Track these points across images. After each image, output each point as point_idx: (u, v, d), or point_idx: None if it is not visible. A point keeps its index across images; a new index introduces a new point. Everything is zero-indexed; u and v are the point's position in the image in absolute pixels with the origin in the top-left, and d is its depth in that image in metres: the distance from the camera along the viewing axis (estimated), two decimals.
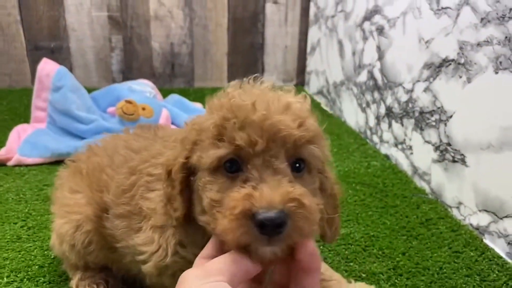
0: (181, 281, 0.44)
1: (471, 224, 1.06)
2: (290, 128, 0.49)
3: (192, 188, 0.55)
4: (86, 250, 0.74)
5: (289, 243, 0.46)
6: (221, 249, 0.48)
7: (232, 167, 0.50)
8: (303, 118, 0.51)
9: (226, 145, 0.49)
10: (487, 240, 1.01)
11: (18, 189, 1.18)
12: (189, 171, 0.55)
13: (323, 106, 2.02)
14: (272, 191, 0.45)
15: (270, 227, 0.44)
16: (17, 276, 0.85)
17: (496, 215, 0.99)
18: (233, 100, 0.51)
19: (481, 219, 1.03)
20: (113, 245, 0.71)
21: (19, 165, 1.33)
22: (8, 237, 0.97)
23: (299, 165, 0.51)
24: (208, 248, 0.49)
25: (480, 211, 1.04)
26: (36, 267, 0.88)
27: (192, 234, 0.58)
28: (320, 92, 2.09)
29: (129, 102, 1.51)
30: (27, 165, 1.33)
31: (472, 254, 0.96)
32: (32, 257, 0.91)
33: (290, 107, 0.51)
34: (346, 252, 0.95)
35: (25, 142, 1.38)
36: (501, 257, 0.95)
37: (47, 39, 2.05)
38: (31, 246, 0.94)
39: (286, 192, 0.46)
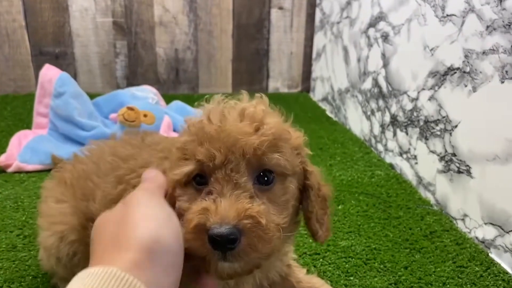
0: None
1: (476, 237, 1.03)
2: (247, 135, 0.49)
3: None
4: (72, 262, 0.73)
5: (247, 260, 0.46)
6: None
7: (200, 181, 0.51)
8: (259, 121, 0.50)
9: (190, 162, 0.51)
10: (493, 255, 0.98)
11: (16, 197, 1.17)
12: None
13: (328, 113, 2.00)
14: (228, 206, 0.46)
15: (221, 243, 0.44)
16: (10, 286, 0.84)
17: (502, 229, 0.96)
18: (189, 121, 0.53)
19: (487, 233, 1.00)
20: None
21: (19, 172, 1.32)
22: (4, 246, 0.96)
23: (267, 178, 0.51)
24: None
25: (485, 224, 1.01)
26: (30, 277, 0.86)
27: None
28: (325, 99, 2.07)
29: (131, 108, 1.50)
30: (27, 172, 1.32)
31: (477, 269, 0.93)
32: (27, 267, 0.89)
33: (244, 113, 0.51)
34: (347, 265, 0.93)
35: (25, 148, 1.37)
36: (507, 273, 0.92)
37: (52, 45, 2.05)
38: (26, 256, 0.93)
39: (242, 209, 0.46)
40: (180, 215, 0.50)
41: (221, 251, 0.45)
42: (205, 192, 0.50)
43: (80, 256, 0.72)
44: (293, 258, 0.77)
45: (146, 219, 0.44)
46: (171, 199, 0.55)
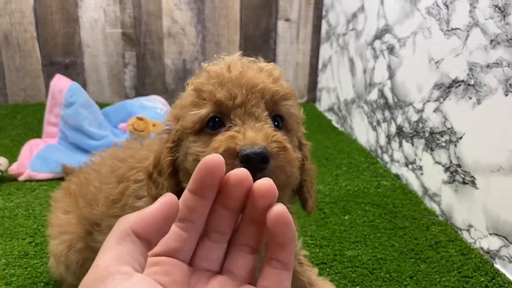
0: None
1: (481, 248, 1.04)
2: (266, 82, 0.51)
3: (178, 169, 0.57)
4: (81, 269, 0.74)
5: (276, 183, 0.45)
6: None
7: (215, 125, 0.52)
8: (276, 76, 0.54)
9: (207, 104, 0.52)
10: (498, 265, 0.99)
11: (28, 205, 1.19)
12: (175, 153, 0.56)
13: (334, 123, 2.01)
14: (255, 133, 0.47)
15: (254, 162, 0.45)
16: None
17: (507, 240, 0.97)
18: (209, 67, 0.55)
19: (492, 243, 1.01)
20: None
21: (30, 180, 1.34)
22: (16, 253, 0.98)
23: (277, 122, 0.54)
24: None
25: (490, 234, 1.02)
26: (42, 284, 0.88)
27: None
28: (331, 109, 2.09)
29: (140, 118, 1.52)
30: (37, 180, 1.35)
31: (482, 279, 0.94)
32: (39, 274, 0.91)
33: (263, 69, 0.54)
34: (353, 275, 0.94)
35: (36, 157, 1.40)
36: None
37: (62, 55, 2.08)
38: (37, 263, 0.95)
39: (268, 134, 0.48)
40: (196, 160, 0.50)
41: (253, 172, 0.44)
42: (223, 131, 0.50)
43: (90, 263, 0.74)
44: (305, 255, 0.78)
45: None
46: (171, 152, 0.56)
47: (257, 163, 0.45)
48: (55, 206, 0.81)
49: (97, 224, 0.70)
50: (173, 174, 0.57)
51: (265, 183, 0.35)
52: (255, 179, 0.42)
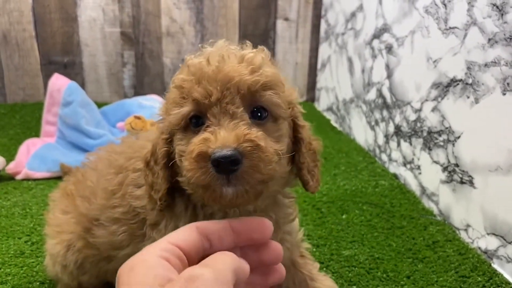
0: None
1: (479, 248, 1.04)
2: (242, 74, 0.51)
3: (173, 160, 0.57)
4: (79, 270, 0.74)
5: (251, 183, 0.48)
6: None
7: (197, 123, 0.52)
8: (257, 65, 0.52)
9: (187, 102, 0.52)
10: (495, 265, 0.98)
11: (24, 204, 1.19)
12: (170, 145, 0.57)
13: (333, 123, 2.01)
14: (227, 134, 0.48)
15: (224, 165, 0.46)
16: None
17: (504, 239, 0.96)
18: (190, 61, 0.54)
19: (490, 243, 1.01)
20: (109, 255, 0.71)
21: (27, 179, 1.34)
22: (12, 252, 0.98)
23: (260, 114, 0.53)
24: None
25: (488, 234, 1.01)
26: (38, 283, 0.88)
27: (179, 214, 0.60)
28: (330, 109, 2.09)
29: (138, 117, 1.52)
30: (35, 179, 1.34)
31: (479, 279, 0.94)
32: (34, 273, 0.91)
33: (244, 58, 0.53)
34: (350, 274, 0.94)
35: (34, 156, 1.40)
36: (509, 283, 0.92)
37: (61, 54, 2.08)
38: (33, 262, 0.94)
39: (241, 134, 0.48)
40: (181, 157, 0.52)
41: (225, 174, 0.46)
42: (202, 130, 0.51)
43: (91, 260, 0.74)
44: (307, 249, 0.78)
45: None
46: (166, 144, 0.56)
47: (227, 166, 0.46)
48: (53, 206, 0.81)
49: (95, 219, 0.70)
50: (168, 165, 0.57)
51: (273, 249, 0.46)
52: (228, 181, 0.47)
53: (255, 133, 0.49)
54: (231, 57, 0.53)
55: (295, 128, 0.59)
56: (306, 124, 0.61)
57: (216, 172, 0.46)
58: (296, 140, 0.59)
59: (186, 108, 0.52)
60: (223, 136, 0.47)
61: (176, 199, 0.60)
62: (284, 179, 0.59)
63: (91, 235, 0.71)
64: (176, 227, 0.59)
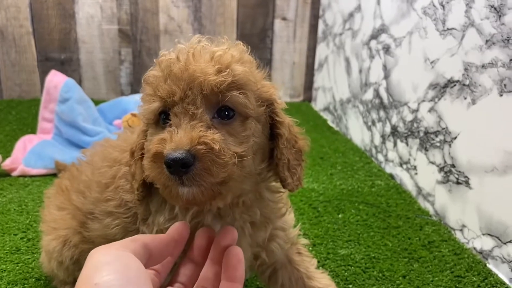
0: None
1: (474, 248, 1.05)
2: (206, 75, 0.51)
3: None
4: (75, 266, 0.74)
5: (205, 185, 0.49)
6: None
7: (165, 119, 0.53)
8: (225, 64, 0.52)
9: (155, 98, 0.53)
10: (490, 265, 0.99)
11: (20, 200, 1.18)
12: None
13: (330, 123, 2.01)
14: (183, 135, 0.48)
15: (176, 167, 0.47)
16: None
17: (500, 240, 0.97)
18: (162, 57, 0.54)
19: (485, 243, 1.01)
20: None
21: (23, 176, 1.34)
22: (8, 248, 0.97)
23: (227, 113, 0.53)
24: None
25: (483, 234, 1.02)
26: (33, 280, 0.88)
27: (157, 208, 0.62)
28: (326, 109, 2.09)
29: (134, 115, 1.52)
30: (31, 176, 1.34)
31: (474, 279, 0.94)
32: (30, 269, 0.91)
33: (213, 56, 0.52)
34: (346, 273, 0.94)
35: (30, 153, 1.39)
36: (504, 283, 0.93)
37: (58, 51, 2.07)
38: (29, 258, 0.94)
39: (196, 136, 0.48)
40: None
41: (177, 176, 0.47)
42: (167, 128, 0.52)
43: (87, 255, 0.74)
44: (305, 245, 0.78)
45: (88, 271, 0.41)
46: (144, 136, 0.58)
47: (178, 167, 0.47)
48: (48, 203, 0.80)
49: (90, 213, 0.70)
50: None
51: (228, 231, 0.52)
52: (182, 182, 0.48)
53: (211, 136, 0.49)
54: (200, 55, 0.53)
55: (274, 124, 0.59)
56: (286, 120, 0.60)
57: (169, 173, 0.48)
58: (274, 136, 0.59)
59: (155, 104, 0.53)
60: (179, 137, 0.48)
61: (153, 193, 0.61)
62: (257, 177, 0.59)
63: (86, 229, 0.71)
64: (158, 222, 0.61)
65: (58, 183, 0.82)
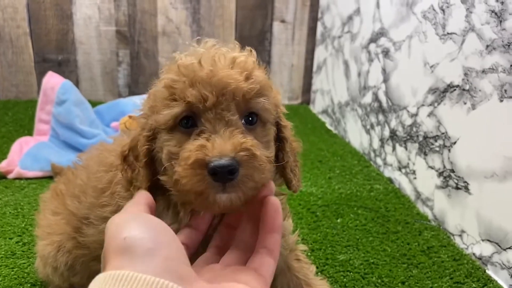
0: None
1: (473, 254, 1.04)
2: (238, 81, 0.51)
3: (154, 158, 0.57)
4: (69, 271, 0.73)
5: (244, 190, 0.49)
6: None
7: (188, 123, 0.52)
8: (250, 70, 0.52)
9: (179, 103, 0.51)
10: (490, 271, 0.98)
11: (16, 203, 1.17)
12: (152, 143, 0.56)
13: (328, 125, 2.01)
14: (224, 142, 0.48)
15: (222, 174, 0.46)
16: None
17: (499, 246, 0.96)
18: (180, 61, 0.53)
19: (484, 249, 1.01)
20: (99, 254, 0.70)
21: (19, 178, 1.32)
22: (3, 252, 0.96)
23: (251, 119, 0.54)
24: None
25: (483, 240, 1.01)
26: (29, 285, 0.87)
27: (160, 213, 0.60)
28: (325, 112, 2.09)
29: (132, 117, 1.51)
30: (27, 179, 1.33)
31: (474, 285, 0.93)
32: (25, 274, 0.90)
33: (236, 62, 0.52)
34: (345, 279, 0.93)
35: (26, 155, 1.38)
36: None
37: (55, 52, 2.06)
38: (25, 263, 0.93)
39: (238, 142, 0.48)
40: (171, 159, 0.52)
41: (222, 183, 0.47)
42: (195, 133, 0.51)
43: (82, 261, 0.73)
44: (303, 251, 0.77)
45: (115, 225, 0.44)
46: (147, 141, 0.56)
47: (224, 175, 0.47)
48: (43, 207, 0.80)
49: (85, 218, 0.69)
50: (149, 163, 0.57)
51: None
52: (224, 188, 0.48)
53: (251, 142, 0.49)
54: (222, 60, 0.52)
55: (278, 128, 0.60)
56: (288, 124, 0.62)
57: (212, 180, 0.47)
58: (279, 140, 0.60)
59: (177, 109, 0.51)
60: (220, 144, 0.48)
61: (157, 197, 0.59)
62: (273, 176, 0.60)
63: (80, 234, 0.70)
64: None
65: (54, 187, 0.81)
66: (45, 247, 0.74)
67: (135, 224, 0.42)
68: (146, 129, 0.56)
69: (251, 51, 0.57)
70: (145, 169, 0.56)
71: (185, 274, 0.40)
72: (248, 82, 0.51)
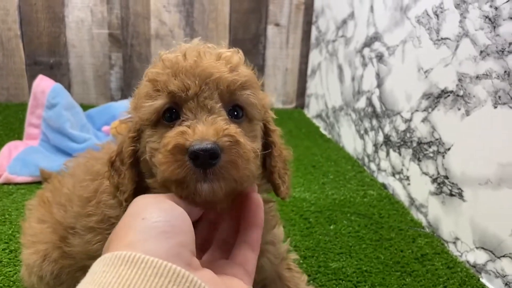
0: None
1: (467, 262, 1.03)
2: (222, 72, 0.50)
3: (140, 160, 0.55)
4: (55, 281, 0.71)
5: (227, 179, 0.46)
6: None
7: (171, 117, 0.51)
8: (235, 64, 0.52)
9: (161, 95, 0.50)
10: (484, 280, 0.97)
11: (4, 209, 1.15)
12: (137, 143, 0.55)
13: (322, 130, 2.00)
14: (206, 127, 0.46)
15: (203, 158, 0.44)
16: None
17: (493, 254, 0.95)
18: (164, 56, 0.52)
19: (478, 257, 1.00)
20: (85, 264, 0.68)
21: (7, 184, 1.30)
22: None
23: (237, 113, 0.52)
24: None
25: (477, 248, 1.00)
26: None
27: None
28: (319, 116, 2.07)
29: (121, 121, 1.49)
30: (16, 184, 1.31)
31: None
32: (11, 283, 0.88)
33: (221, 56, 0.52)
34: None
35: (15, 160, 1.36)
36: None
37: (47, 55, 2.04)
38: (11, 271, 0.91)
39: (220, 128, 0.47)
40: (152, 156, 0.50)
41: (203, 168, 0.45)
42: (177, 124, 0.49)
43: (67, 270, 0.71)
44: (295, 260, 0.76)
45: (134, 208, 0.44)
46: (132, 142, 0.54)
47: (206, 159, 0.44)
48: (29, 215, 0.78)
49: (71, 228, 0.67)
50: (134, 165, 0.55)
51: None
52: (205, 176, 0.45)
53: (234, 129, 0.48)
54: (207, 55, 0.51)
55: (266, 132, 0.59)
56: (277, 129, 0.61)
57: (193, 165, 0.45)
58: (267, 144, 0.59)
59: (160, 101, 0.50)
60: (202, 129, 0.46)
61: None
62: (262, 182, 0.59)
63: (66, 244, 0.69)
64: None
65: (40, 194, 0.79)
66: (30, 256, 0.73)
67: (157, 208, 0.42)
68: (132, 130, 0.55)
69: (238, 51, 0.56)
70: (130, 171, 0.55)
71: (193, 263, 0.41)
72: (232, 74, 0.50)
